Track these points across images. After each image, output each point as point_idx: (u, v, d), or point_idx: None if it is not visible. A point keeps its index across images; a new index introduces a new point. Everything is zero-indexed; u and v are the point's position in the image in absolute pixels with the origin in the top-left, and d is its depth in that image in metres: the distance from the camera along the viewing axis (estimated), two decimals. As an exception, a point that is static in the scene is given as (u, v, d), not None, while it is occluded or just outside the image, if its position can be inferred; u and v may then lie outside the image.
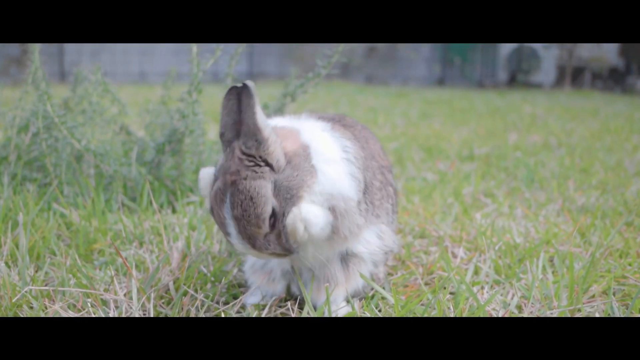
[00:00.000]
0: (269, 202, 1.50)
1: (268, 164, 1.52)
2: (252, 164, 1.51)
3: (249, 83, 1.49)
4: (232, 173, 1.51)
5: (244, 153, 1.52)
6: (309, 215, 1.54)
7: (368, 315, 1.75)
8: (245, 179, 1.49)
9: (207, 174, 1.62)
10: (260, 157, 1.51)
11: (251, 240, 1.52)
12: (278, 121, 1.75)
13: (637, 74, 18.68)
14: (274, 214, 1.51)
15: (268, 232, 1.53)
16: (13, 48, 14.08)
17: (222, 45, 2.93)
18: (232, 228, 1.52)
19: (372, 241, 1.79)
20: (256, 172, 1.50)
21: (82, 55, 16.73)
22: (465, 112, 9.58)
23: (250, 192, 1.48)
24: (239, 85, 1.52)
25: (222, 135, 1.59)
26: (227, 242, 1.59)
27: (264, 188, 1.49)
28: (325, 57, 2.87)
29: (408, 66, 20.35)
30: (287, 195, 1.53)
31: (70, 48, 16.83)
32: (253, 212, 1.48)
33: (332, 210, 1.62)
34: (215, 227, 2.52)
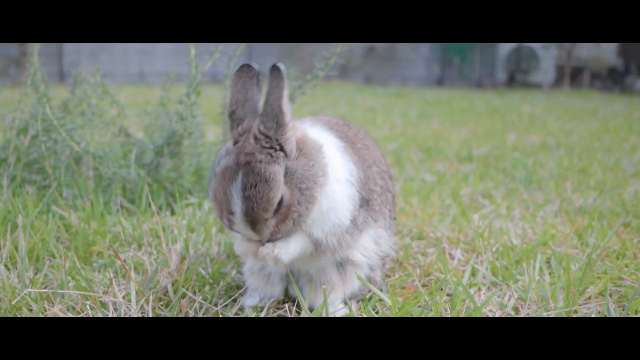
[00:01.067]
0: (280, 188, 1.50)
1: (283, 149, 1.52)
2: (268, 145, 1.51)
3: (281, 65, 1.49)
4: (247, 154, 1.50)
5: (261, 132, 1.51)
6: (280, 253, 1.58)
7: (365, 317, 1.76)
8: (260, 161, 1.49)
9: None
10: (277, 140, 1.51)
11: (254, 222, 1.52)
12: None
13: (636, 74, 18.69)
14: (281, 200, 1.51)
15: (271, 216, 1.52)
16: (12, 48, 14.07)
17: (221, 46, 2.93)
18: (237, 207, 1.50)
19: (369, 247, 1.80)
20: (272, 156, 1.50)
21: (81, 56, 16.72)
22: (464, 112, 9.59)
23: (265, 176, 1.48)
24: (253, 64, 1.54)
25: (232, 113, 1.57)
26: (224, 220, 1.57)
27: (278, 174, 1.50)
28: (324, 58, 2.87)
29: (407, 66, 20.34)
30: (302, 186, 1.54)
31: (70, 48, 16.82)
32: (266, 195, 1.48)
33: (322, 231, 1.64)
34: (215, 228, 2.53)
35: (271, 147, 1.51)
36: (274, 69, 1.49)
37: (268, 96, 1.51)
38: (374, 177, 1.81)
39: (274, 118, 1.50)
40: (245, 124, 1.55)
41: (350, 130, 1.90)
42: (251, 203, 1.49)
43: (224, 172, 1.52)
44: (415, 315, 1.75)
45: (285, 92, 1.50)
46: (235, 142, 1.55)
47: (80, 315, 1.74)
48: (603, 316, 1.76)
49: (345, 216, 1.67)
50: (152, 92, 10.17)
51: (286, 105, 1.51)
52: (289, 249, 1.61)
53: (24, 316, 1.73)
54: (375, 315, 1.79)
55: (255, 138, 1.51)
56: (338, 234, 1.67)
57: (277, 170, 1.50)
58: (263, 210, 1.50)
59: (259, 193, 1.48)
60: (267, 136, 1.51)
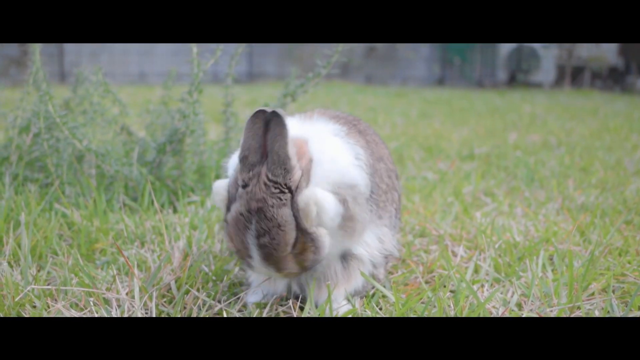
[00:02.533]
0: (294, 229, 1.53)
1: (291, 191, 1.54)
2: (277, 191, 1.52)
3: (280, 111, 1.50)
4: (259, 200, 1.51)
5: (270, 180, 1.52)
6: (324, 200, 1.56)
7: (369, 313, 1.76)
8: (272, 206, 1.51)
9: (221, 187, 1.62)
10: (285, 184, 1.52)
11: (275, 263, 1.56)
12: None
13: (636, 74, 18.68)
14: (296, 238, 1.54)
15: (289, 252, 1.56)
16: (13, 48, 14.08)
17: (222, 46, 2.94)
18: (255, 253, 1.55)
19: (372, 244, 1.80)
20: (281, 200, 1.52)
21: (82, 56, 16.72)
22: (465, 112, 9.58)
23: (278, 220, 1.50)
24: (268, 110, 1.52)
25: (245, 157, 1.57)
26: (245, 261, 1.62)
27: (290, 215, 1.52)
28: (325, 57, 2.88)
29: (407, 66, 20.33)
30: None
31: (70, 49, 16.82)
32: (282, 240, 1.52)
33: (343, 200, 1.62)
34: (217, 226, 2.53)
35: (280, 192, 1.52)
36: (274, 116, 1.49)
37: (272, 144, 1.51)
38: (381, 173, 1.81)
39: (281, 165, 1.51)
40: (256, 170, 1.55)
41: (360, 125, 1.91)
42: (268, 249, 1.53)
43: (237, 219, 1.54)
44: (418, 312, 1.75)
45: (288, 138, 1.51)
46: (245, 186, 1.54)
47: (83, 312, 1.74)
48: (606, 312, 1.76)
49: (362, 181, 1.67)
50: (153, 92, 10.17)
51: (291, 150, 1.52)
52: (331, 202, 1.57)
53: (27, 313, 1.73)
54: (379, 312, 1.79)
55: (265, 185, 1.52)
56: (360, 198, 1.66)
57: (288, 213, 1.52)
58: (283, 253, 1.54)
59: (274, 240, 1.51)
60: (275, 182, 1.52)
